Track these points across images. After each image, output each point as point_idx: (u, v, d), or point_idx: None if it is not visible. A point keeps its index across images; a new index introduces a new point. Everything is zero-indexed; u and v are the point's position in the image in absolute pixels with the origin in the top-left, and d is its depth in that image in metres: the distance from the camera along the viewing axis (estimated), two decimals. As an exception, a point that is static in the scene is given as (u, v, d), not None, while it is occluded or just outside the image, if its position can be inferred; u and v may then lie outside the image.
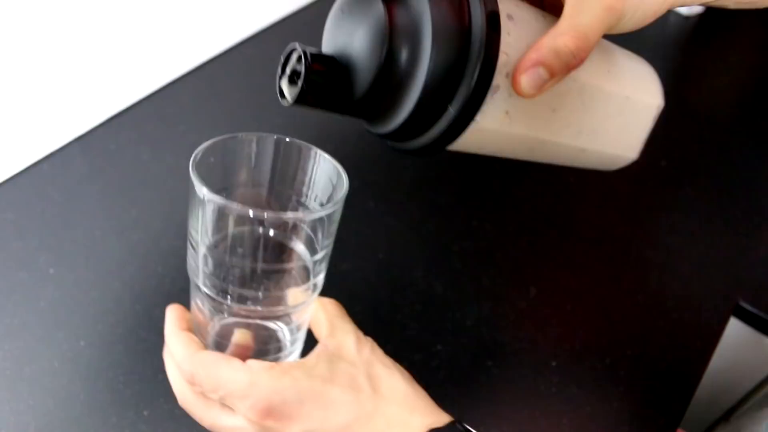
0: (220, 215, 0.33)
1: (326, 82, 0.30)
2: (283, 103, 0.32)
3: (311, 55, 0.30)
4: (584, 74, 0.32)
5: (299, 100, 0.30)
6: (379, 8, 0.29)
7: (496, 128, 0.31)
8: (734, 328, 0.64)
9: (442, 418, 0.34)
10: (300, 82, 0.30)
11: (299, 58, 0.30)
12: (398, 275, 0.59)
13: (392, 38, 0.29)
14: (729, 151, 0.84)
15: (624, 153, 0.39)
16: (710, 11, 1.08)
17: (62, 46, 0.64)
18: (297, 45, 0.31)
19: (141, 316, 0.52)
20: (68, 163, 0.65)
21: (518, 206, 0.70)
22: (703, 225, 0.70)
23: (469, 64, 0.29)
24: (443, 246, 0.63)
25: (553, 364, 0.53)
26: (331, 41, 0.32)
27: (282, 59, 0.32)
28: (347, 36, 0.31)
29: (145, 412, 0.46)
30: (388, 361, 0.37)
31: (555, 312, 0.58)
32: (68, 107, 0.67)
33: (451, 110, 0.29)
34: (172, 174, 0.65)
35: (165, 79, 0.76)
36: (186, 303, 0.40)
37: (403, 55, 0.29)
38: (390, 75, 0.29)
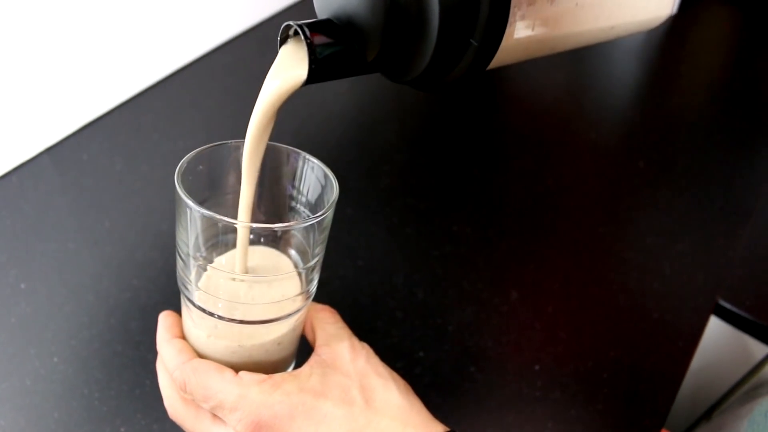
0: (209, 226, 0.33)
1: (334, 51, 0.28)
2: None
3: (309, 26, 0.28)
4: None
5: (311, 79, 0.28)
6: None
7: (520, 43, 0.29)
8: (714, 326, 0.64)
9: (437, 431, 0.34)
10: (307, 62, 0.28)
11: (295, 33, 0.28)
12: (378, 282, 0.59)
13: None
14: (706, 151, 0.84)
15: (657, 13, 0.36)
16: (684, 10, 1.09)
17: (30, 54, 0.63)
18: (291, 23, 0.28)
19: (116, 329, 0.51)
20: (39, 174, 0.64)
21: (497, 210, 0.70)
22: (682, 225, 0.71)
23: None
24: (423, 251, 0.63)
25: (537, 368, 0.53)
26: (324, 4, 0.30)
27: (279, 41, 0.30)
28: None
29: (122, 429, 0.45)
30: (383, 371, 0.36)
31: (537, 315, 0.58)
32: (38, 117, 0.66)
33: (474, 43, 0.27)
34: (146, 184, 0.64)
35: (138, 87, 0.75)
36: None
37: None
38: (400, 23, 0.27)
